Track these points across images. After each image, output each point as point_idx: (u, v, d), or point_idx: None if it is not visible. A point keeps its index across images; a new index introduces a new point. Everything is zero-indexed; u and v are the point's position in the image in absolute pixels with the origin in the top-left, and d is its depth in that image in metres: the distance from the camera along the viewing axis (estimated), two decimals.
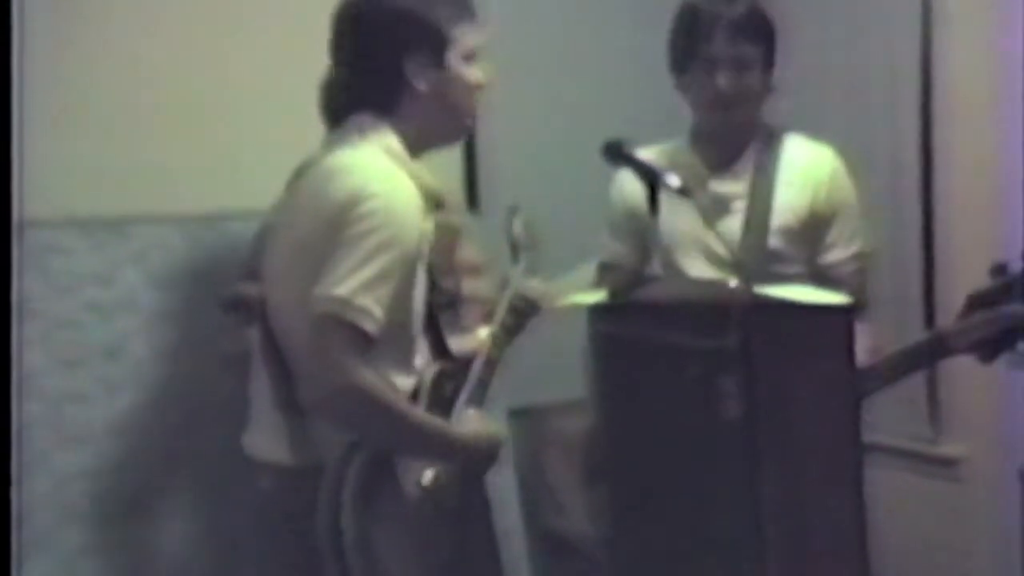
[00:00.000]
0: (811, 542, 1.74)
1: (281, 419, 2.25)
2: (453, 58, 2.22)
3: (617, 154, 2.14)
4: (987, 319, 2.07)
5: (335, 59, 2.25)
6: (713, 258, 2.46)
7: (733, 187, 2.51)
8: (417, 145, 2.24)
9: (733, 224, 2.48)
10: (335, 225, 2.08)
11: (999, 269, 2.09)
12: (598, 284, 2.56)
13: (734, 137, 2.53)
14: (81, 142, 2.70)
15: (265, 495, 2.33)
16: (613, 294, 2.05)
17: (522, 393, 3.33)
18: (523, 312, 2.46)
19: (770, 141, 2.52)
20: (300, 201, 2.23)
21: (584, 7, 3.60)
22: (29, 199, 2.44)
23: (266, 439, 2.30)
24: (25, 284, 2.60)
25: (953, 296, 3.22)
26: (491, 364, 2.35)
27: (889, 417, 3.00)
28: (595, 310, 1.98)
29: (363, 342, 2.05)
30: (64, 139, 2.67)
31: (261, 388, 2.30)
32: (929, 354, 2.26)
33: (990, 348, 2.09)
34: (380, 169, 2.14)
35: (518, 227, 2.53)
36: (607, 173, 2.47)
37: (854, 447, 1.76)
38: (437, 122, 2.25)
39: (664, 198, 2.09)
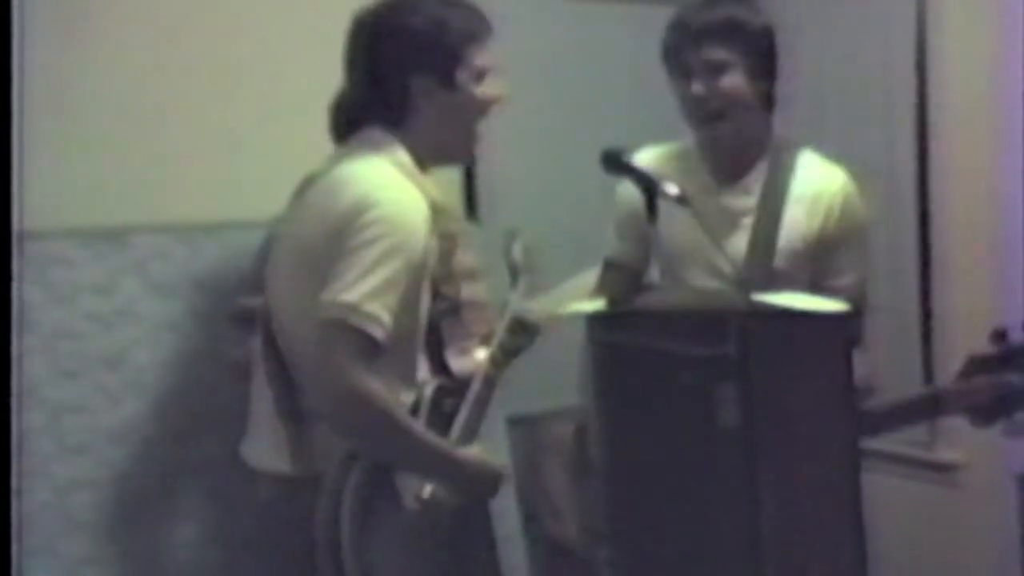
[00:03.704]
0: (808, 548, 1.74)
1: (281, 428, 2.25)
2: (463, 77, 2.22)
3: (616, 163, 2.14)
4: (986, 385, 2.06)
5: (348, 74, 2.26)
6: (716, 273, 2.43)
7: (742, 201, 2.46)
8: (426, 160, 2.24)
9: (739, 240, 2.44)
10: (341, 233, 2.08)
11: (999, 335, 2.08)
12: (600, 283, 2.57)
13: (742, 149, 2.48)
14: (81, 153, 2.71)
15: (264, 504, 2.34)
16: (611, 302, 2.06)
17: (520, 400, 3.34)
18: (521, 334, 2.47)
19: (782, 157, 2.48)
20: (306, 211, 2.23)
21: (582, 19, 3.61)
22: (29, 210, 2.45)
23: (266, 448, 2.30)
24: (25, 295, 2.62)
25: (949, 306, 3.25)
26: (490, 384, 2.36)
27: None
28: (593, 318, 1.98)
29: (371, 349, 2.05)
30: (64, 150, 2.68)
31: (262, 398, 2.31)
32: (925, 411, 2.26)
33: (987, 414, 2.10)
34: (387, 179, 2.15)
35: (517, 251, 2.54)
36: (605, 182, 2.47)
37: (852, 453, 1.76)
38: (445, 139, 2.26)
39: (668, 207, 2.09)
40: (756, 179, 2.47)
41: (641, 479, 1.90)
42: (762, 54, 2.44)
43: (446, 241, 2.24)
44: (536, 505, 3.51)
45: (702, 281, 2.45)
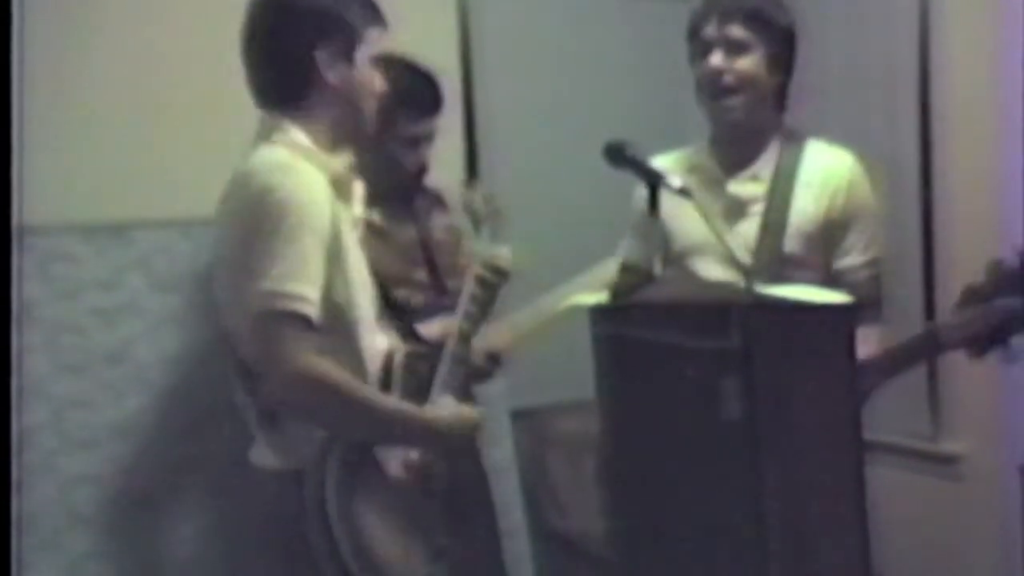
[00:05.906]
0: (812, 540, 1.74)
1: (256, 423, 2.27)
2: (362, 57, 2.23)
3: (618, 155, 2.14)
4: (979, 314, 2.09)
5: (247, 56, 2.26)
6: (727, 261, 2.45)
7: (751, 189, 2.49)
8: (327, 140, 2.24)
9: (749, 227, 2.47)
10: (249, 227, 2.10)
11: (994, 266, 2.10)
12: (616, 284, 2.57)
13: (751, 138, 2.51)
14: (83, 147, 2.71)
15: (264, 499, 2.34)
16: (616, 295, 2.06)
17: (525, 394, 3.34)
18: (491, 282, 2.49)
19: (790, 145, 2.51)
20: (224, 215, 2.23)
21: (585, 9, 3.61)
22: (31, 205, 2.45)
23: (256, 445, 2.32)
24: (29, 290, 2.62)
25: (953, 296, 3.25)
26: (465, 339, 2.37)
27: (889, 414, 3.01)
28: (598, 311, 1.99)
29: (303, 327, 2.05)
30: (66, 145, 2.68)
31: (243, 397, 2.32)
32: (923, 349, 2.27)
33: (981, 343, 2.11)
34: (278, 164, 2.14)
35: (477, 199, 2.56)
36: (608, 174, 2.48)
37: (855, 446, 1.76)
38: (343, 118, 2.25)
39: (678, 201, 2.11)
40: (764, 168, 2.50)
41: (645, 471, 1.90)
42: (781, 48, 2.49)
43: (451, 235, 2.24)
44: (541, 499, 3.52)
45: (713, 271, 2.46)
